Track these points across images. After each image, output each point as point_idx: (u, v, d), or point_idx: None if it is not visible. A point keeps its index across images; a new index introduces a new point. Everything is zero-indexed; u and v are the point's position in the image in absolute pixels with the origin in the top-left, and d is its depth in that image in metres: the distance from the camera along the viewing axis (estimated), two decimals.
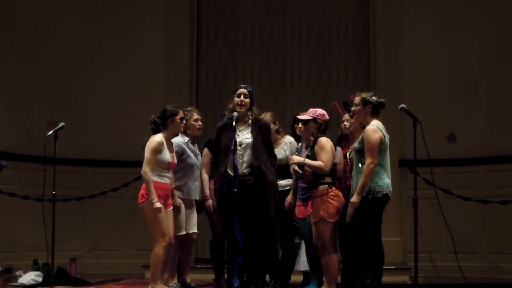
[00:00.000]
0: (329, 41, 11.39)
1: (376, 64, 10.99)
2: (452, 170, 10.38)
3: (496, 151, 10.17)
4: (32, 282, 8.63)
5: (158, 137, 7.34)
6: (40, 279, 8.68)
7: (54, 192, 7.57)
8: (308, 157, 7.25)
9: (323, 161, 7.12)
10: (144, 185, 7.30)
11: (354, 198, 6.81)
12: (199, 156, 8.20)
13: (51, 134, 7.62)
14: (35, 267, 9.09)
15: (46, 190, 7.71)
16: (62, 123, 7.79)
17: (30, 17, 10.56)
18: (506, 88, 10.35)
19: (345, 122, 7.93)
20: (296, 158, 7.26)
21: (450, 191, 9.98)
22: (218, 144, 7.29)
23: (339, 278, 7.54)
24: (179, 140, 7.95)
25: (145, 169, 7.23)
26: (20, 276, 8.90)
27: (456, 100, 10.55)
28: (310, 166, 7.19)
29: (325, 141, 7.22)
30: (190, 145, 8.09)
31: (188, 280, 8.15)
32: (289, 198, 7.85)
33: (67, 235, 10.28)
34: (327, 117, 7.44)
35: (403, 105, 7.09)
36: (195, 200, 8.15)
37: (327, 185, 7.14)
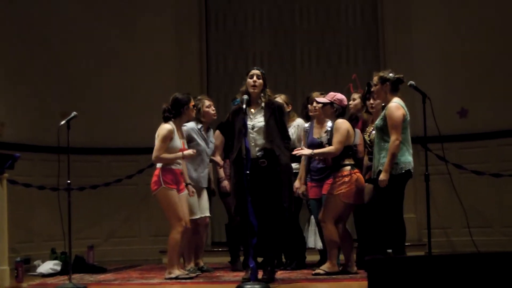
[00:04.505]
0: (337, 22, 11.36)
1: (386, 43, 10.94)
2: (465, 145, 10.38)
3: (508, 125, 10.15)
4: (51, 271, 8.68)
5: (169, 125, 7.41)
6: (58, 268, 8.74)
7: (69, 181, 7.58)
8: (328, 141, 7.34)
9: (333, 143, 7.19)
10: (156, 172, 7.37)
11: (382, 176, 6.76)
12: (211, 144, 8.19)
13: (64, 124, 7.65)
14: (53, 256, 9.15)
15: (61, 180, 7.74)
16: (74, 112, 7.81)
17: (42, 10, 10.60)
18: None
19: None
20: (306, 151, 7.27)
21: (463, 166, 9.99)
22: (232, 128, 7.19)
23: (354, 256, 7.60)
24: (191, 126, 7.95)
25: (156, 154, 7.33)
26: (39, 265, 8.94)
27: (467, 75, 10.51)
28: (320, 154, 7.34)
29: (340, 123, 7.31)
30: (203, 132, 8.10)
31: (201, 264, 8.20)
32: (297, 184, 7.91)
33: (84, 224, 10.37)
34: (345, 103, 7.49)
35: (411, 82, 7.07)
36: (208, 184, 8.21)
37: (349, 167, 7.24)
